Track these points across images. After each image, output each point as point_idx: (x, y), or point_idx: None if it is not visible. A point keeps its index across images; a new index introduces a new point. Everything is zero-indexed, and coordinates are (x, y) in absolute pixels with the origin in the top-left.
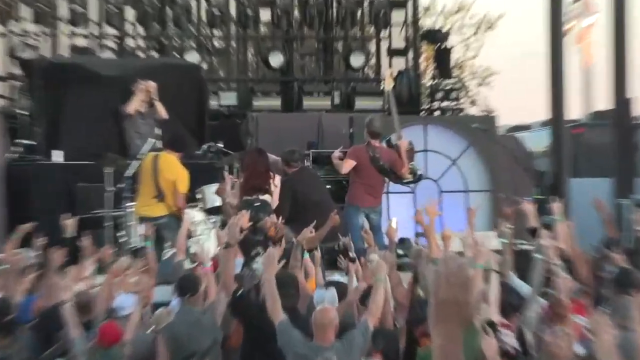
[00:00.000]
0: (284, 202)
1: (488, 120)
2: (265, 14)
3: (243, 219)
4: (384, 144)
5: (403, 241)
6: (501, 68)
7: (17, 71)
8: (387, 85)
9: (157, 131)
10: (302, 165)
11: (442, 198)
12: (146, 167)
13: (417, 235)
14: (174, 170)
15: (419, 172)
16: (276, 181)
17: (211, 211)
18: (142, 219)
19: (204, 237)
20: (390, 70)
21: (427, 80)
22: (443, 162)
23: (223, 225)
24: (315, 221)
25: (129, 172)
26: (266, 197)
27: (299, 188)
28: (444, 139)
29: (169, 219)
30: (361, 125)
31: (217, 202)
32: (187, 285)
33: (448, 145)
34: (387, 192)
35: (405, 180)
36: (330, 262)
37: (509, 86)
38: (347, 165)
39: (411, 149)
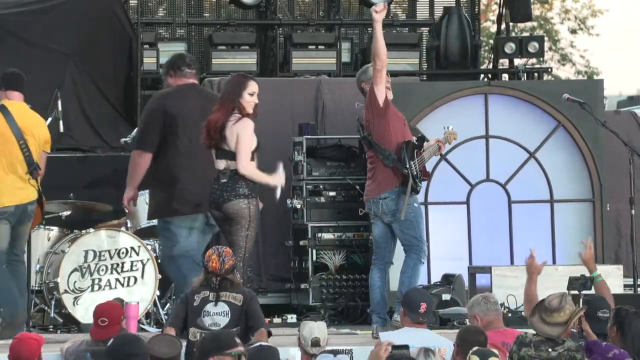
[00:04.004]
0: (147, 128)
1: (589, 87)
2: None
3: None
4: None
5: (450, 280)
6: (611, 5)
7: None
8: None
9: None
10: (194, 82)
11: (511, 211)
12: None
13: (473, 270)
14: (39, 120)
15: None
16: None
17: (147, 233)
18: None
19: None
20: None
21: (490, 25)
22: (514, 155)
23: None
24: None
25: None
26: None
27: (173, 107)
28: (516, 118)
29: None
30: None
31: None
32: None
33: (523, 127)
34: (425, 203)
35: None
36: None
37: (623, 34)
38: None
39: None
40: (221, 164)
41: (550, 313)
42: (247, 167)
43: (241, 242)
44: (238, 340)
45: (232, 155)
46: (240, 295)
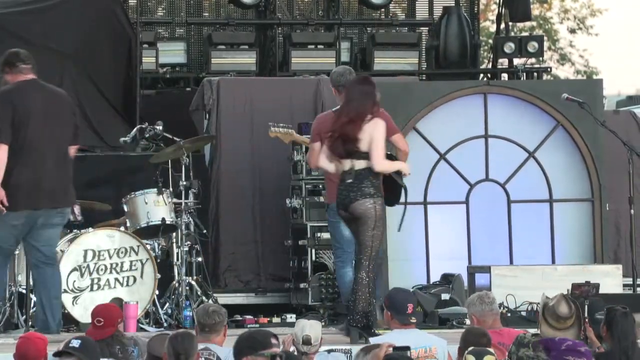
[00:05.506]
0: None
1: (588, 87)
2: None
3: None
4: None
5: (449, 280)
6: (610, 5)
7: None
8: None
9: None
10: (34, 78)
11: (510, 211)
12: None
13: (472, 270)
14: None
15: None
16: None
17: (146, 233)
18: None
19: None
20: None
21: (489, 25)
22: (514, 155)
23: (167, 255)
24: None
25: None
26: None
27: (18, 102)
28: (515, 118)
29: None
30: (384, 95)
31: (155, 218)
32: None
33: (522, 127)
34: (424, 202)
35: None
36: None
37: (623, 33)
38: (312, 154)
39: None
40: (346, 164)
41: (564, 320)
42: (383, 163)
43: (368, 241)
44: (274, 341)
45: (358, 155)
46: None
